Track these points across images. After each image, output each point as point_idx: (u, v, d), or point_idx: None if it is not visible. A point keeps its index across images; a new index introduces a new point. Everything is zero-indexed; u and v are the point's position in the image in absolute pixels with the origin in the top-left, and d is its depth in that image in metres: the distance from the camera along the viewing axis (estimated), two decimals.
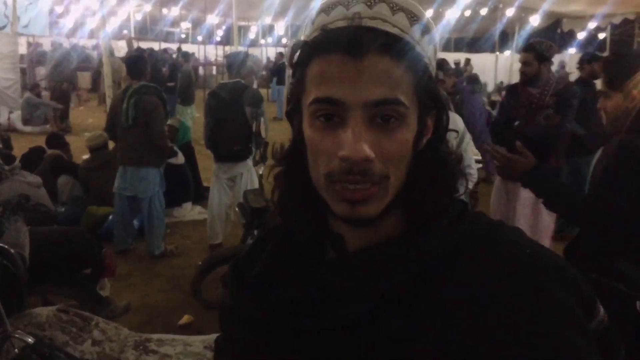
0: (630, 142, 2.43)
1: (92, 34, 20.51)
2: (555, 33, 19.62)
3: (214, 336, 2.41)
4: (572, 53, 19.38)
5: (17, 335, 2.00)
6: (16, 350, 1.99)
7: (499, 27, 19.77)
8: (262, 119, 5.21)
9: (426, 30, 0.79)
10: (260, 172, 4.57)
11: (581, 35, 19.45)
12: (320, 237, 0.85)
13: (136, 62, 5.36)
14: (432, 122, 0.81)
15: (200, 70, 19.89)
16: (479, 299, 0.72)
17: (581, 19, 19.01)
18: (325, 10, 0.80)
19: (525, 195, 4.34)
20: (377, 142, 0.74)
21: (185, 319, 4.34)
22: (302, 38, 0.82)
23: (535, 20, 16.65)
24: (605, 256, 2.15)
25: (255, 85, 7.70)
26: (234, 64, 5.53)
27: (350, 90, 0.73)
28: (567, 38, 19.12)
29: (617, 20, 18.73)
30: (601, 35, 20.18)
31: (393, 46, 0.74)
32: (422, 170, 0.79)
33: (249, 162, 5.61)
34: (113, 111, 5.45)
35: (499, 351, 0.69)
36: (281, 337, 0.81)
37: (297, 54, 0.81)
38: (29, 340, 2.02)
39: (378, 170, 0.74)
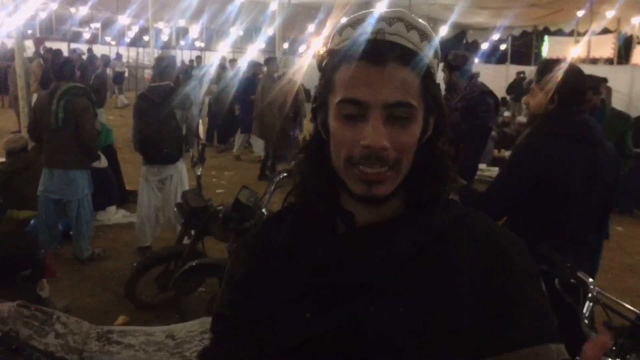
0: (527, 145, 2.82)
1: None
2: (461, 43, 20.64)
3: (173, 326, 2.54)
4: (475, 62, 20.45)
5: None
6: None
7: None
8: (199, 121, 5.28)
9: (432, 46, 0.98)
10: (199, 173, 4.65)
11: (485, 46, 20.56)
12: (332, 213, 1.03)
13: (64, 63, 5.28)
14: (433, 122, 1.00)
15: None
16: (466, 266, 0.94)
17: (484, 30, 20.15)
18: (351, 25, 0.98)
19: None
20: (391, 134, 0.91)
21: (120, 319, 4.34)
22: (330, 47, 1.00)
23: (443, 31, 17.46)
24: (529, 242, 2.47)
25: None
26: (163, 66, 5.56)
27: (372, 92, 0.91)
28: (472, 48, 20.14)
29: (516, 32, 19.99)
30: (502, 46, 21.40)
31: (407, 57, 0.93)
32: (423, 162, 0.98)
33: (179, 164, 5.65)
34: (38, 112, 5.32)
35: (482, 304, 0.91)
36: (306, 293, 0.98)
37: (326, 60, 0.99)
38: None
39: (392, 157, 0.92)
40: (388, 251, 0.95)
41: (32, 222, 5.67)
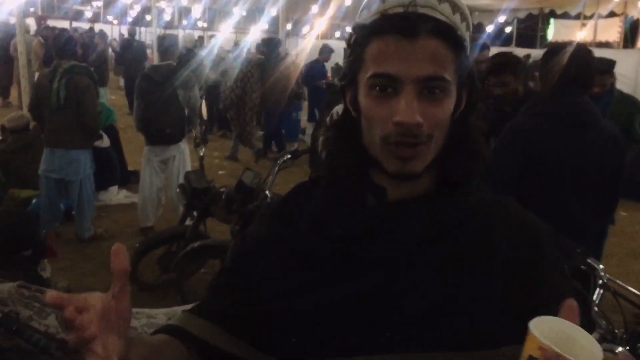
0: (511, 125, 2.78)
1: None
2: None
3: (175, 309, 2.50)
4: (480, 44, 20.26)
5: None
6: None
7: None
8: (202, 101, 5.23)
9: (464, 18, 0.95)
10: (201, 154, 4.61)
11: (490, 29, 20.34)
12: (363, 188, 0.99)
13: (66, 41, 5.21)
14: (465, 96, 0.97)
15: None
16: (498, 248, 0.93)
17: (490, 12, 19.91)
18: None
19: None
20: (425, 109, 0.88)
21: None
22: (358, 22, 0.96)
23: None
24: None
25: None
26: (166, 46, 5.50)
27: (404, 67, 0.88)
28: (477, 30, 19.96)
29: (522, 14, 19.75)
30: (508, 29, 21.18)
31: (440, 30, 0.89)
32: (455, 139, 0.95)
33: (182, 144, 5.61)
34: (39, 91, 5.26)
35: (512, 288, 0.90)
36: (333, 261, 0.95)
37: (355, 36, 0.96)
38: None
39: (426, 132, 0.89)
40: (421, 226, 0.93)
41: (33, 201, 5.64)
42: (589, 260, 2.10)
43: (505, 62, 3.50)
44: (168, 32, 17.95)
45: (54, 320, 2.23)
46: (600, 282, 2.06)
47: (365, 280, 0.92)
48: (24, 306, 2.19)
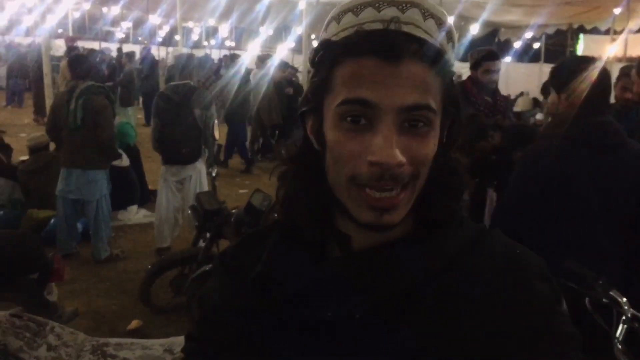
0: (532, 149, 2.64)
1: (28, 32, 19.78)
2: (493, 42, 20.22)
3: (173, 339, 2.40)
4: (508, 62, 20.02)
5: None
6: None
7: None
8: (215, 121, 5.18)
9: (451, 37, 0.80)
10: (214, 174, 4.53)
11: (517, 45, 20.11)
12: (325, 236, 0.85)
13: (82, 62, 5.21)
14: (447, 127, 0.82)
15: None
16: (483, 300, 0.78)
17: (517, 28, 19.69)
18: (352, 10, 0.78)
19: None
20: (407, 146, 0.74)
21: (133, 324, 4.25)
22: (325, 37, 0.81)
23: (474, 29, 17.13)
24: (554, 256, 2.26)
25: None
26: (183, 65, 5.47)
27: (384, 93, 0.73)
28: (504, 47, 19.75)
29: (550, 30, 19.49)
30: (536, 45, 20.92)
31: (426, 52, 0.75)
32: (436, 175, 0.80)
33: (198, 164, 5.56)
34: (56, 112, 5.26)
35: (499, 340, 0.76)
36: (283, 329, 0.82)
37: (321, 53, 0.80)
38: None
39: (408, 173, 0.75)
40: (389, 280, 0.78)
41: (51, 222, 5.64)
42: (611, 293, 1.94)
43: None
44: (194, 51, 18.11)
45: (45, 352, 2.15)
46: (624, 317, 1.89)
47: (319, 349, 0.79)
48: (14, 336, 2.11)
